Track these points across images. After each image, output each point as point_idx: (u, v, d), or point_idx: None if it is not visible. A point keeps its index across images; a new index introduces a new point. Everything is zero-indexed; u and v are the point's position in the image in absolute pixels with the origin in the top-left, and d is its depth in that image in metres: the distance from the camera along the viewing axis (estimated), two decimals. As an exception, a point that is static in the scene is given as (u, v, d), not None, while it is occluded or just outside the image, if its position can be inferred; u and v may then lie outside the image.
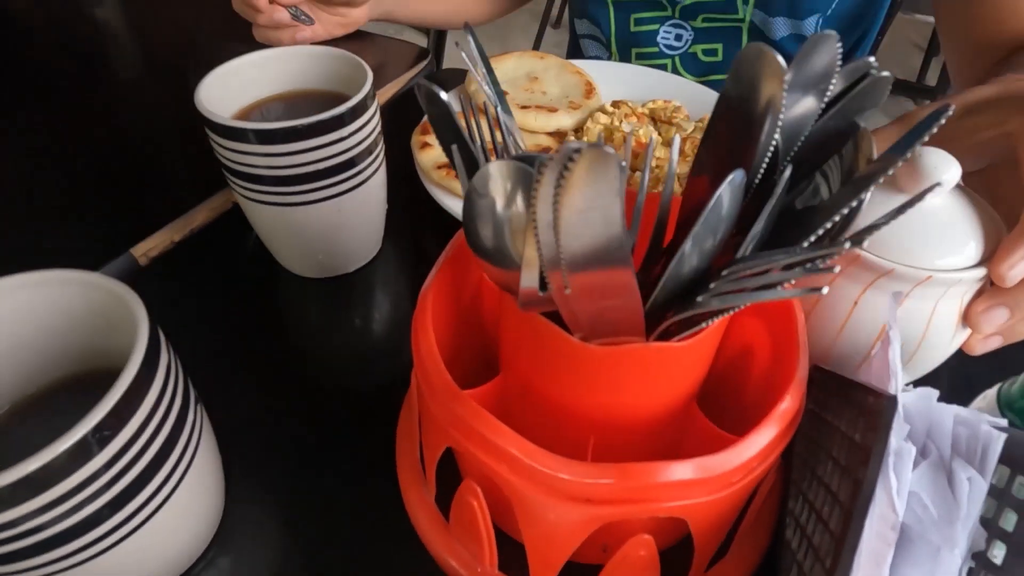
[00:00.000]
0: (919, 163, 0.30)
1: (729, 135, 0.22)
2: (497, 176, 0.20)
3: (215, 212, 0.54)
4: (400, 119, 0.60)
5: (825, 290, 0.18)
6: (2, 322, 0.28)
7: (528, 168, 0.20)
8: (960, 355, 0.35)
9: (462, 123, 0.23)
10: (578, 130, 0.58)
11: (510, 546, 0.30)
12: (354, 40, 0.77)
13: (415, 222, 0.53)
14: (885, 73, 0.21)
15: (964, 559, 0.24)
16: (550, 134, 0.57)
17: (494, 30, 2.59)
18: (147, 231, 0.51)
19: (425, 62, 0.73)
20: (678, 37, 0.74)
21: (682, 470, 0.24)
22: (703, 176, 0.27)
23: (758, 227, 0.21)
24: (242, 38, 0.72)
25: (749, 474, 0.25)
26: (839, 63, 0.20)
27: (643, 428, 0.29)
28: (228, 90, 0.43)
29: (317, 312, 0.47)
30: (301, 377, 0.42)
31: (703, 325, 0.23)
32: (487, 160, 0.24)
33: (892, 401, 0.24)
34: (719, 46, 0.73)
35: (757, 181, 0.22)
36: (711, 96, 0.61)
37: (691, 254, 0.21)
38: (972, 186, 0.34)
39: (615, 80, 0.64)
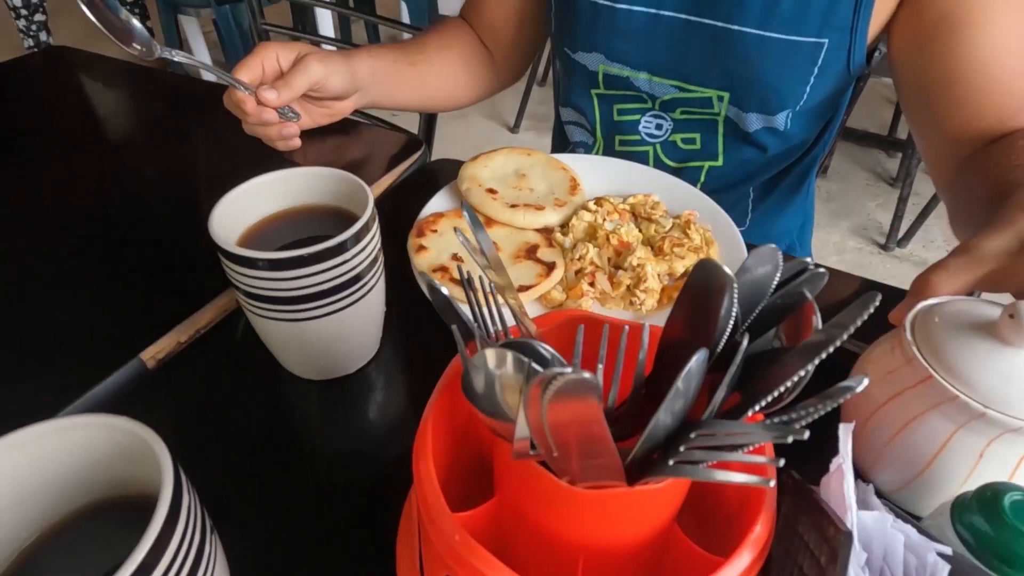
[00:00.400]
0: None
1: (695, 309, 0.25)
2: (492, 359, 0.23)
3: (220, 312, 0.56)
4: (395, 211, 0.64)
5: (772, 482, 0.20)
6: (36, 463, 0.30)
7: (518, 355, 0.23)
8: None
9: (463, 309, 0.26)
10: (564, 225, 0.61)
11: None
12: (346, 129, 0.81)
13: (412, 321, 0.56)
14: (821, 270, 0.24)
15: None
16: (537, 230, 0.61)
17: (482, 89, 2.67)
18: (155, 330, 0.53)
19: (419, 153, 0.77)
20: (659, 127, 0.79)
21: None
22: (678, 319, 0.30)
23: (721, 394, 0.24)
24: (245, 141, 0.75)
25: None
26: (780, 267, 0.24)
27: (628, 551, 0.31)
28: (239, 208, 0.46)
29: (319, 413, 0.49)
30: (304, 476, 0.45)
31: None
32: (482, 328, 0.27)
33: (848, 537, 0.26)
34: (697, 135, 0.78)
35: (721, 346, 0.25)
36: (686, 189, 0.65)
37: (663, 421, 0.24)
38: None
39: (598, 173, 0.68)
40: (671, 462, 0.23)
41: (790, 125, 0.73)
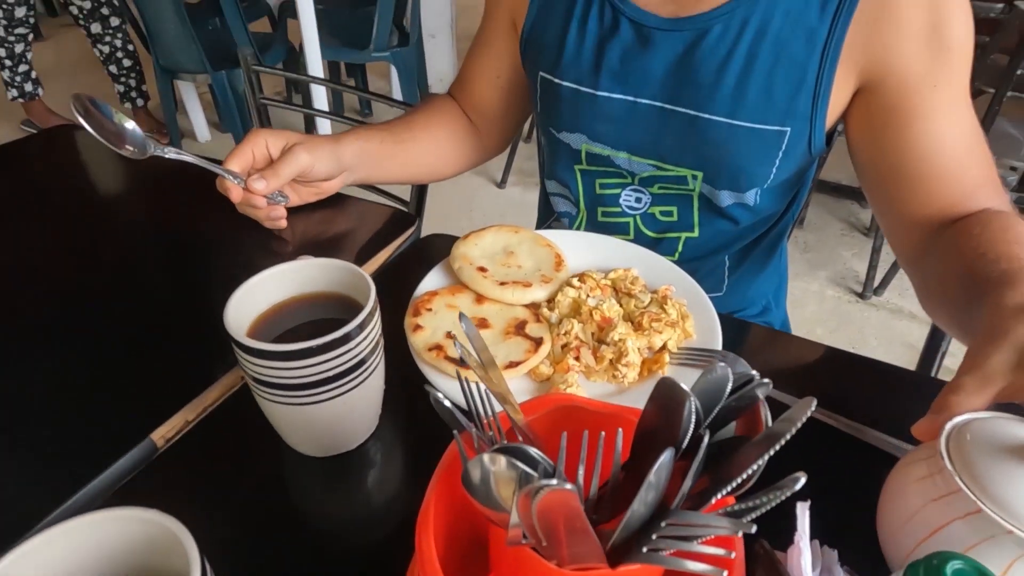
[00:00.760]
0: None
1: (663, 412, 0.29)
2: (488, 463, 0.26)
3: (225, 391, 0.60)
4: (390, 286, 0.67)
5: (725, 573, 0.24)
6: (77, 551, 0.33)
7: (510, 459, 0.26)
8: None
9: (462, 419, 0.30)
10: (551, 300, 0.66)
11: None
12: (341, 205, 0.86)
13: (408, 397, 0.59)
14: (766, 380, 0.29)
15: None
16: (526, 306, 0.65)
17: (470, 147, 2.76)
18: (164, 410, 0.56)
19: (412, 229, 0.82)
20: (638, 200, 0.84)
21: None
22: (650, 413, 0.34)
23: (688, 483, 0.28)
24: (247, 222, 0.80)
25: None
26: (731, 380, 0.28)
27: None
28: (251, 298, 0.50)
29: (322, 488, 0.52)
30: (308, 549, 0.47)
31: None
32: (477, 424, 0.31)
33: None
34: (674, 208, 0.83)
35: (686, 443, 0.29)
36: (664, 264, 0.70)
37: (638, 511, 0.27)
38: None
39: (581, 248, 0.73)
40: (644, 549, 0.27)
41: (759, 200, 0.79)
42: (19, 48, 2.76)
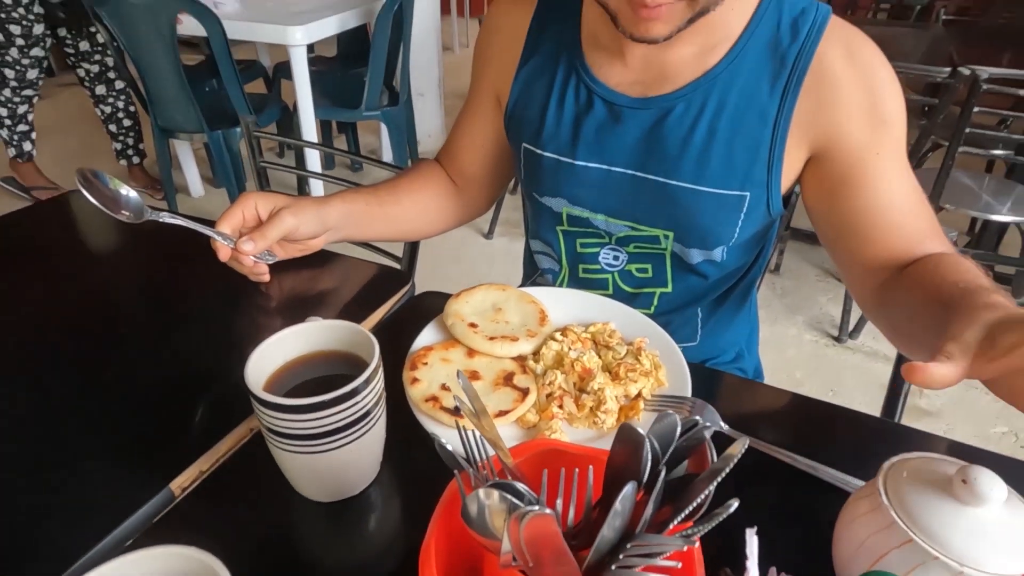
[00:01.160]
0: (974, 484, 0.43)
1: (627, 451, 0.35)
2: (483, 497, 0.32)
3: (237, 442, 0.65)
4: (387, 341, 0.73)
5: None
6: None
7: (502, 493, 0.32)
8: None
9: (462, 461, 0.36)
10: (536, 353, 0.72)
11: None
12: (340, 266, 0.92)
13: (406, 446, 0.64)
14: (707, 423, 0.35)
15: None
16: (513, 359, 0.71)
17: (458, 200, 2.86)
18: (180, 461, 0.61)
19: (406, 287, 0.88)
20: (615, 258, 0.92)
21: None
22: (618, 453, 0.40)
23: (649, 510, 0.34)
24: (254, 284, 0.86)
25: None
26: (679, 425, 0.34)
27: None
28: (267, 356, 0.56)
29: (329, 531, 0.57)
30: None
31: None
32: (472, 464, 0.37)
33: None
34: (649, 266, 0.90)
35: (647, 477, 0.35)
36: (639, 318, 0.77)
37: (607, 535, 0.33)
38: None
39: (563, 304, 0.79)
40: (613, 567, 0.32)
41: (726, 257, 0.86)
42: (23, 108, 2.85)
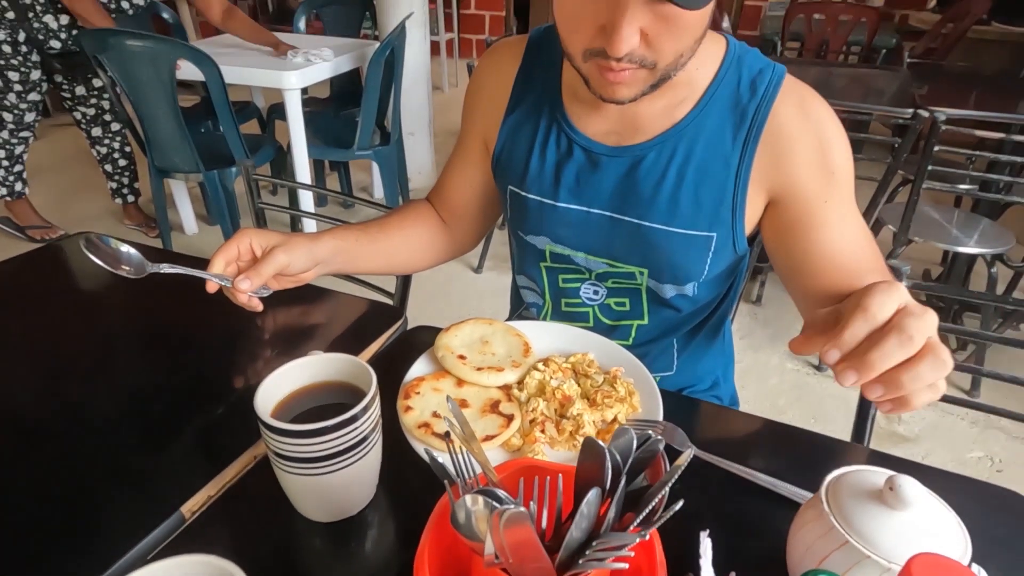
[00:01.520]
0: (899, 491, 0.49)
1: (592, 463, 0.41)
2: (470, 503, 0.38)
3: (243, 468, 0.69)
4: (382, 372, 0.78)
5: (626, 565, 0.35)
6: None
7: (487, 499, 0.37)
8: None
9: (449, 465, 0.41)
10: (520, 382, 0.77)
11: None
12: (332, 302, 0.98)
13: (400, 469, 0.69)
14: (660, 438, 0.41)
15: None
16: (499, 387, 0.77)
17: (448, 235, 2.93)
18: (189, 486, 0.66)
19: (399, 322, 0.94)
20: (595, 292, 0.98)
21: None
22: (584, 466, 0.45)
23: (612, 513, 0.39)
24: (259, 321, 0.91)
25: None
26: (634, 439, 0.40)
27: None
28: (274, 386, 0.61)
29: (330, 549, 0.61)
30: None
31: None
32: (462, 478, 0.42)
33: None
34: (626, 300, 0.97)
35: (609, 484, 0.41)
36: (615, 348, 0.83)
37: (575, 535, 0.38)
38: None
39: (545, 336, 0.85)
40: (581, 561, 0.38)
41: (698, 291, 0.93)
42: (19, 150, 2.91)
